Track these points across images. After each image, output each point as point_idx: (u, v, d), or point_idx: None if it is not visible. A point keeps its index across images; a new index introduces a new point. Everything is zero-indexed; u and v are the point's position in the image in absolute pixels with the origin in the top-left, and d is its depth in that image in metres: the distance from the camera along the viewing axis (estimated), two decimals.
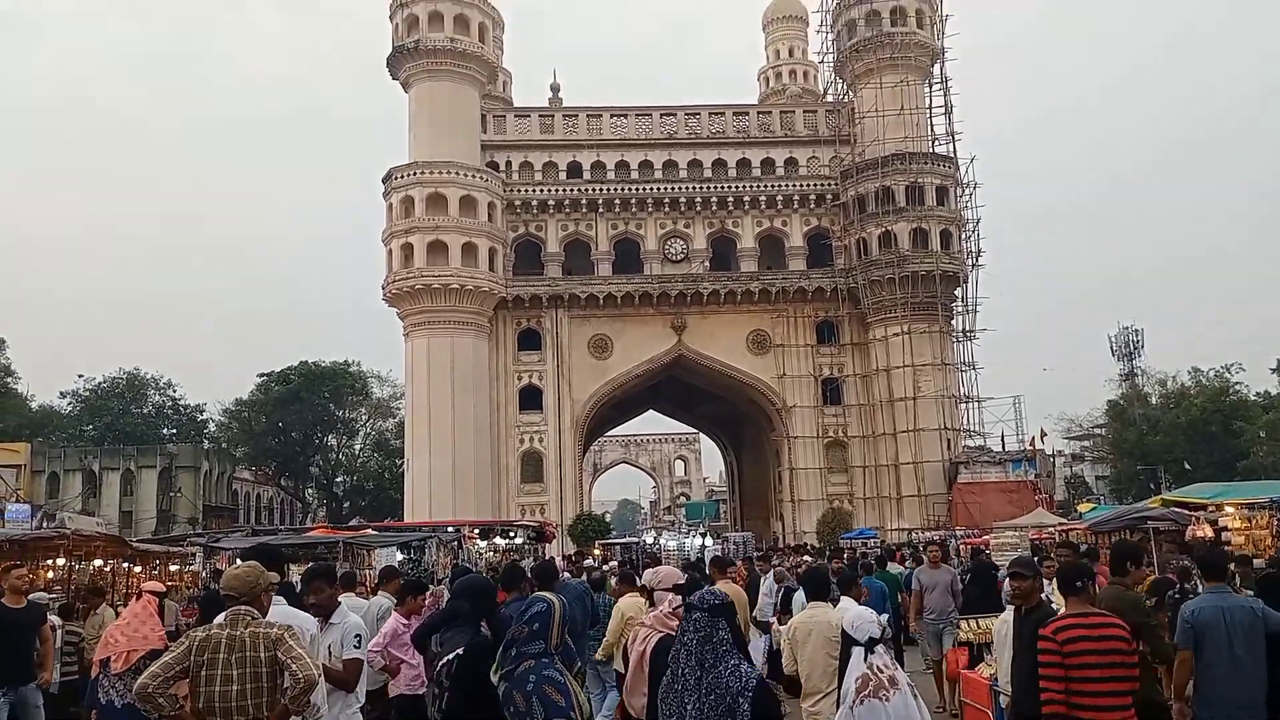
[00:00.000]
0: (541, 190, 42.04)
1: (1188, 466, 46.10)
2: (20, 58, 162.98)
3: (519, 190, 41.82)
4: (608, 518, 71.83)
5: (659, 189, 42.23)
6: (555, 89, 49.90)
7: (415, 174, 38.91)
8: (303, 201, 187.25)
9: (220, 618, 4.44)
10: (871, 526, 37.54)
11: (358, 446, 62.02)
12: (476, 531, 23.07)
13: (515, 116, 44.10)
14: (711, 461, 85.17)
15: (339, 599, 6.20)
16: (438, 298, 38.31)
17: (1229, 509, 15.60)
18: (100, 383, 61.66)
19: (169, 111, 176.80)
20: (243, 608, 4.46)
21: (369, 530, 20.45)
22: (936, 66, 42.35)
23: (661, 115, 43.82)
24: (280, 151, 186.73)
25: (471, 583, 5.28)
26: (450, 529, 21.56)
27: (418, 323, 39.01)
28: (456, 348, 38.60)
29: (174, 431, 63.32)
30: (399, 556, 16.18)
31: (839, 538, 34.09)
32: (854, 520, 39.37)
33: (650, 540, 50.80)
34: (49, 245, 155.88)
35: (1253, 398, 50.38)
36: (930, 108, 42.10)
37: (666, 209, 42.40)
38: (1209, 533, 15.25)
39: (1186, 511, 16.34)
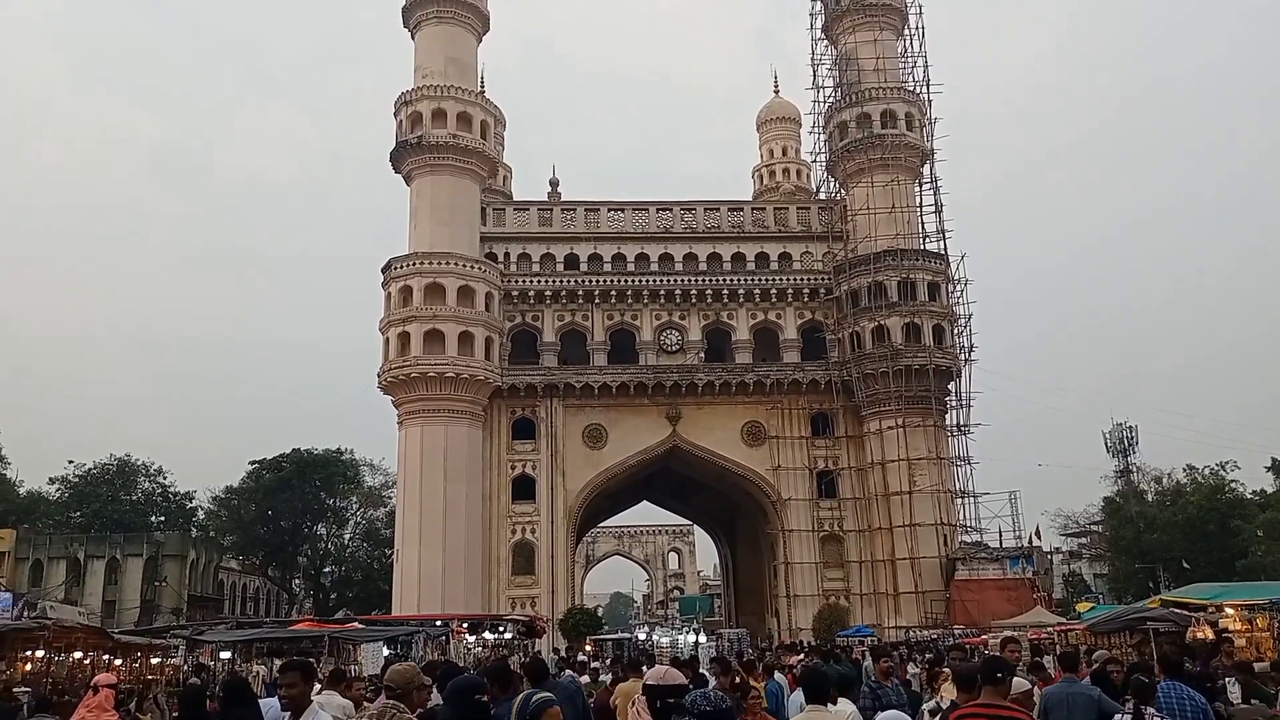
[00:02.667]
0: (539, 281, 42.59)
1: (1186, 565, 45.58)
2: (22, 155, 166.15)
3: (517, 281, 42.34)
4: (599, 611, 70.54)
5: (655, 281, 42.80)
6: (554, 183, 51.07)
7: (414, 264, 39.43)
8: (302, 290, 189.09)
9: (373, 707, 4.57)
10: (868, 624, 36.86)
11: (347, 536, 61.20)
12: (465, 626, 22.66)
13: (515, 209, 44.97)
14: (706, 554, 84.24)
15: (313, 696, 6.03)
16: (433, 386, 38.38)
17: (1229, 610, 15.44)
18: (90, 469, 61.18)
19: (173, 205, 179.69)
20: (394, 703, 4.73)
21: (355, 624, 20.06)
22: (926, 166, 43.44)
23: (658, 210, 44.71)
24: (280, 241, 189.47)
25: (461, 685, 5.18)
26: (439, 623, 21.16)
27: (412, 411, 38.99)
28: (450, 436, 38.50)
29: (162, 519, 62.55)
30: (385, 652, 15.84)
31: (835, 635, 33.42)
32: (850, 617, 38.68)
33: (643, 636, 49.86)
34: (47, 336, 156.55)
35: (1249, 496, 50.18)
36: (921, 206, 43.03)
37: (662, 300, 42.89)
38: (1209, 634, 15.04)
39: (1186, 612, 16.16)
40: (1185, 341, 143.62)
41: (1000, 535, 39.74)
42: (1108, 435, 58.09)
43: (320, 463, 57.05)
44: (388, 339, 39.58)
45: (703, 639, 40.50)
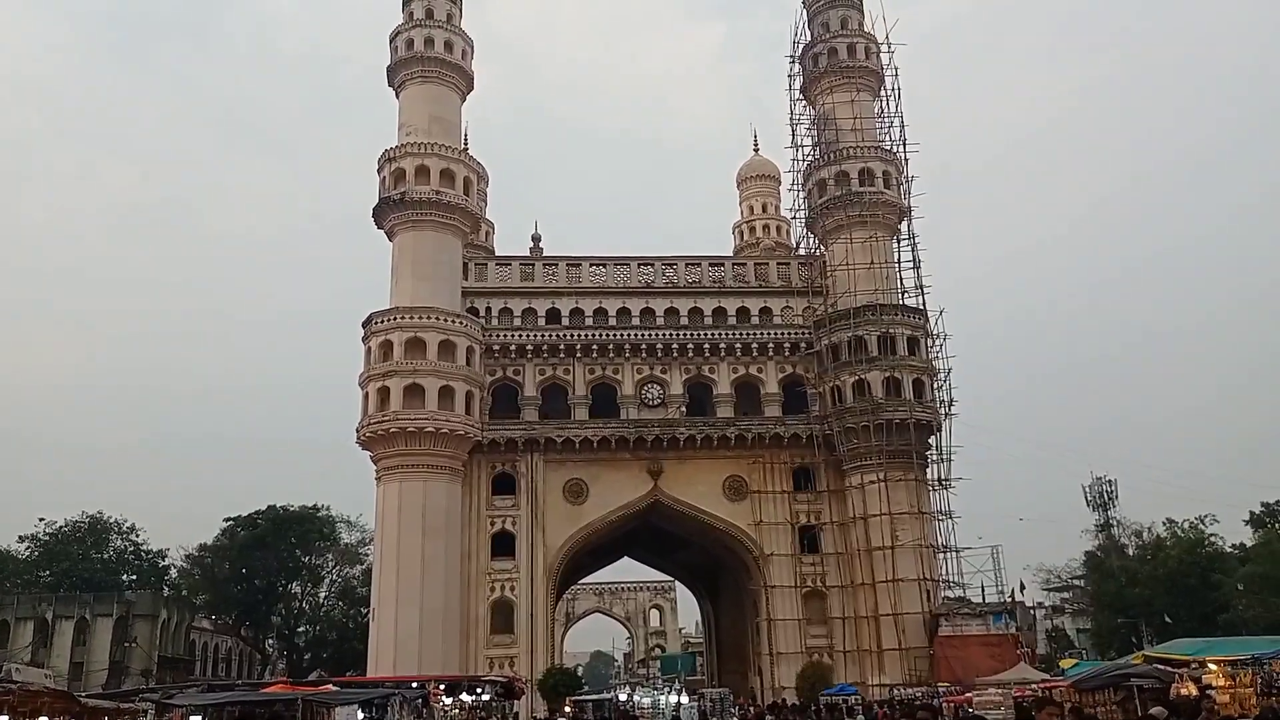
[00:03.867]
0: (520, 335, 42.64)
1: (1168, 620, 45.56)
2: (9, 209, 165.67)
3: (498, 335, 42.38)
4: (580, 671, 69.38)
5: (636, 335, 42.95)
6: (536, 239, 51.47)
7: (395, 319, 39.41)
8: (280, 344, 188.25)
9: None
10: (852, 682, 36.44)
11: (322, 595, 60.18)
12: (443, 688, 22.20)
13: (497, 264, 45.19)
14: (688, 610, 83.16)
15: None
16: (412, 441, 38.10)
17: (1212, 666, 15.39)
18: (62, 526, 60.06)
19: (153, 262, 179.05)
20: None
21: (330, 686, 19.63)
22: (904, 224, 44.09)
23: (639, 265, 45.05)
24: (257, 295, 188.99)
25: None
26: (415, 685, 20.73)
27: (391, 466, 38.64)
28: (429, 492, 38.12)
29: (134, 578, 61.34)
30: (360, 715, 15.46)
31: (820, 694, 32.98)
32: (834, 675, 38.21)
33: (624, 696, 49.01)
34: (23, 392, 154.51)
35: (1228, 549, 50.38)
36: (899, 262, 43.58)
37: (644, 354, 42.99)
38: (1193, 690, 14.98)
39: (1170, 669, 16.10)
40: (1165, 392, 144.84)
41: (983, 590, 39.63)
42: (1087, 489, 58.33)
43: (296, 519, 56.32)
44: (367, 394, 39.36)
45: (685, 699, 39.87)
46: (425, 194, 41.01)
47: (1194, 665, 15.81)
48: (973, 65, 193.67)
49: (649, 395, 42.93)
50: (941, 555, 39.60)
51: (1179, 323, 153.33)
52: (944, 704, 21.79)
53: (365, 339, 40.09)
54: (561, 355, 42.62)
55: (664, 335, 42.98)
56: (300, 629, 59.53)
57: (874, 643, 38.63)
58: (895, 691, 31.16)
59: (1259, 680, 14.52)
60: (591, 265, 44.83)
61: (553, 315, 43.37)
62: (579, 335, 42.68)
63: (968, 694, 22.73)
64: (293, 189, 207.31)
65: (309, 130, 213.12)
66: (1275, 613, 39.25)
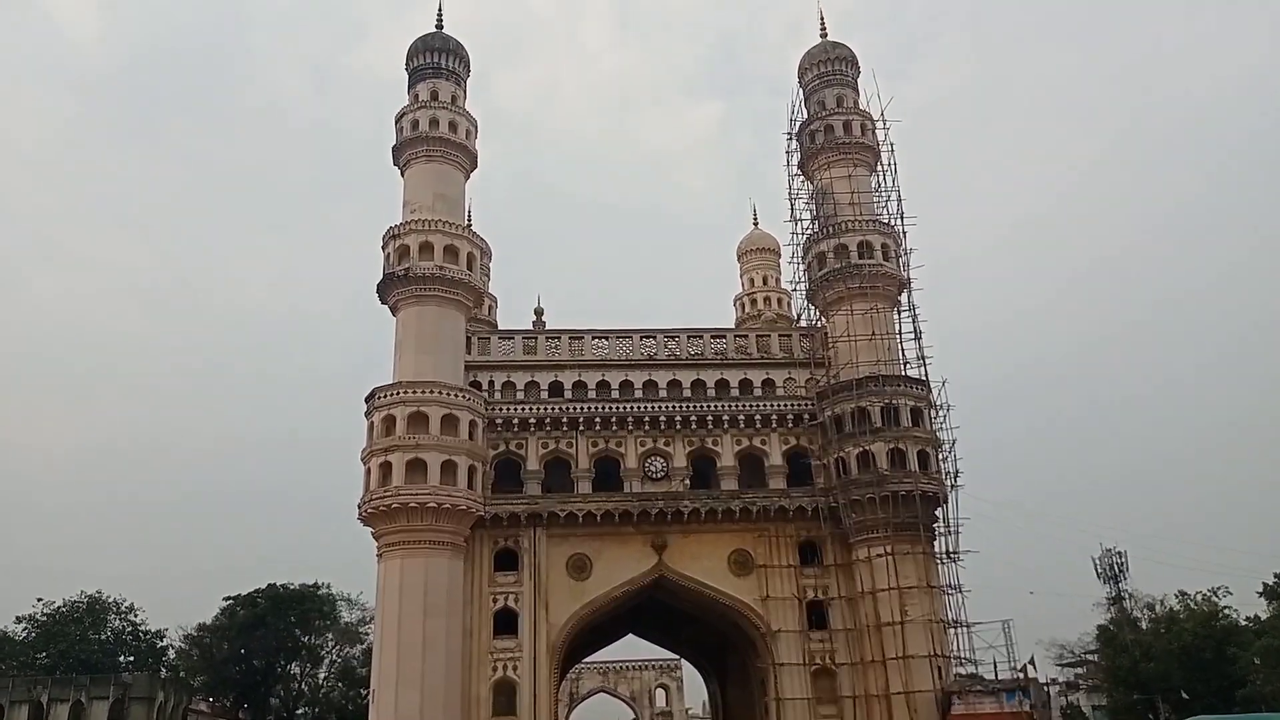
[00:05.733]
0: (523, 409, 42.65)
1: (1185, 696, 44.51)
2: (24, 287, 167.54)
3: (501, 409, 42.40)
4: None
5: (639, 408, 42.95)
6: (539, 312, 51.88)
7: (398, 393, 39.50)
8: (283, 423, 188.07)
9: None
10: None
11: (322, 675, 59.12)
12: None
13: (499, 338, 45.46)
14: (694, 690, 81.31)
15: None
16: (414, 516, 37.82)
17: None
18: (60, 607, 59.31)
19: (158, 337, 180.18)
20: None
21: None
22: (904, 295, 44.46)
23: (642, 337, 45.28)
24: (263, 373, 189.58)
25: None
26: None
27: (393, 543, 38.27)
28: (431, 569, 37.68)
29: (131, 659, 60.28)
30: None
31: None
32: None
33: None
34: (22, 467, 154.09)
35: (1243, 622, 49.52)
36: (900, 333, 43.81)
37: (647, 427, 42.93)
38: None
39: None
40: (1165, 449, 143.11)
41: (995, 666, 38.84)
42: (1097, 561, 57.68)
43: (296, 598, 55.67)
44: (369, 469, 39.22)
45: None
46: (429, 269, 41.49)
47: None
48: (967, 140, 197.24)
49: (652, 468, 42.74)
50: (952, 630, 38.92)
51: (1176, 375, 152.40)
52: None
53: (368, 414, 40.12)
54: (564, 428, 42.57)
55: (667, 408, 42.99)
56: (300, 711, 58.35)
57: None
58: None
59: None
60: (594, 338, 45.08)
61: (555, 389, 43.46)
62: (582, 408, 42.69)
63: None
64: (302, 265, 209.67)
65: (316, 206, 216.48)
66: None
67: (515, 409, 42.59)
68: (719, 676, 52.46)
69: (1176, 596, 52.33)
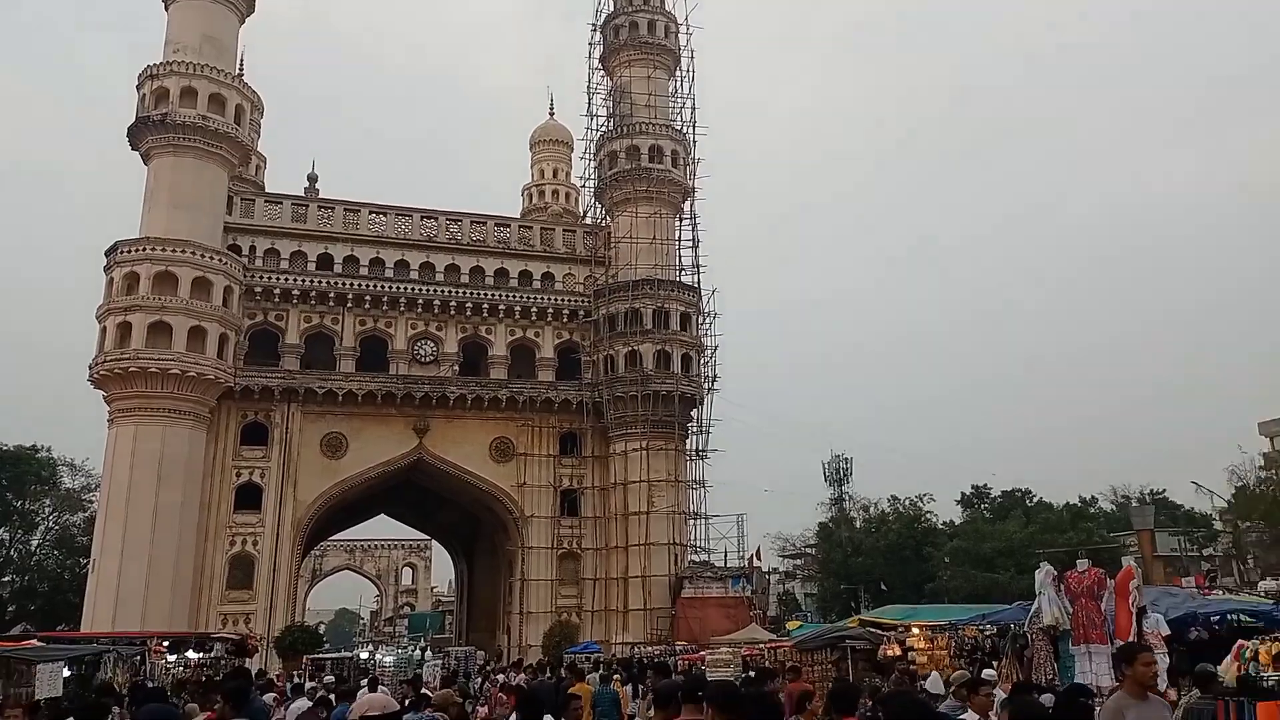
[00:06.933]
0: (286, 279, 40.31)
1: (884, 587, 50.30)
2: None
3: (261, 276, 39.86)
4: (322, 629, 67.24)
5: (413, 289, 41.78)
6: (313, 179, 48.78)
7: (145, 249, 36.12)
8: (16, 277, 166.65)
9: None
10: (597, 640, 37.70)
11: (35, 542, 54.48)
12: (165, 644, 20.89)
13: (266, 201, 42.38)
14: (443, 571, 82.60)
15: None
16: (154, 382, 35.20)
17: (915, 630, 17.23)
18: None
19: None
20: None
21: (34, 641, 17.92)
22: (688, 203, 45.54)
23: (422, 217, 43.75)
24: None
25: (154, 714, 4.81)
26: (133, 641, 19.38)
27: (127, 409, 35.53)
28: (169, 438, 35.40)
29: None
30: (66, 673, 14.19)
31: (564, 651, 33.92)
32: (580, 634, 39.40)
33: (365, 655, 48.07)
34: None
35: (940, 526, 56.29)
36: (679, 240, 45.02)
37: (419, 310, 41.93)
38: (898, 651, 16.74)
39: (880, 632, 17.88)
40: (912, 382, 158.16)
41: (726, 556, 42.15)
42: (826, 465, 63.23)
43: (10, 459, 50.53)
44: (104, 328, 35.91)
45: (429, 657, 39.68)
46: (190, 117, 37.73)
47: (900, 629, 17.64)
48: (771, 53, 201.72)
49: (421, 352, 42.00)
50: (692, 522, 41.69)
51: (933, 316, 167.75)
52: (679, 662, 23.01)
53: (108, 268, 36.50)
54: (331, 303, 40.75)
55: (442, 292, 42.09)
56: (6, 578, 53.67)
57: (621, 603, 40.12)
58: (636, 650, 32.52)
59: (953, 643, 16.43)
60: (371, 213, 43.05)
61: (324, 261, 41.33)
62: (351, 284, 40.96)
63: (702, 653, 24.13)
64: (46, 104, 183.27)
65: (70, 36, 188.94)
66: (974, 583, 44.27)
67: (278, 278, 40.18)
68: (468, 558, 53.48)
69: (889, 500, 58.56)
